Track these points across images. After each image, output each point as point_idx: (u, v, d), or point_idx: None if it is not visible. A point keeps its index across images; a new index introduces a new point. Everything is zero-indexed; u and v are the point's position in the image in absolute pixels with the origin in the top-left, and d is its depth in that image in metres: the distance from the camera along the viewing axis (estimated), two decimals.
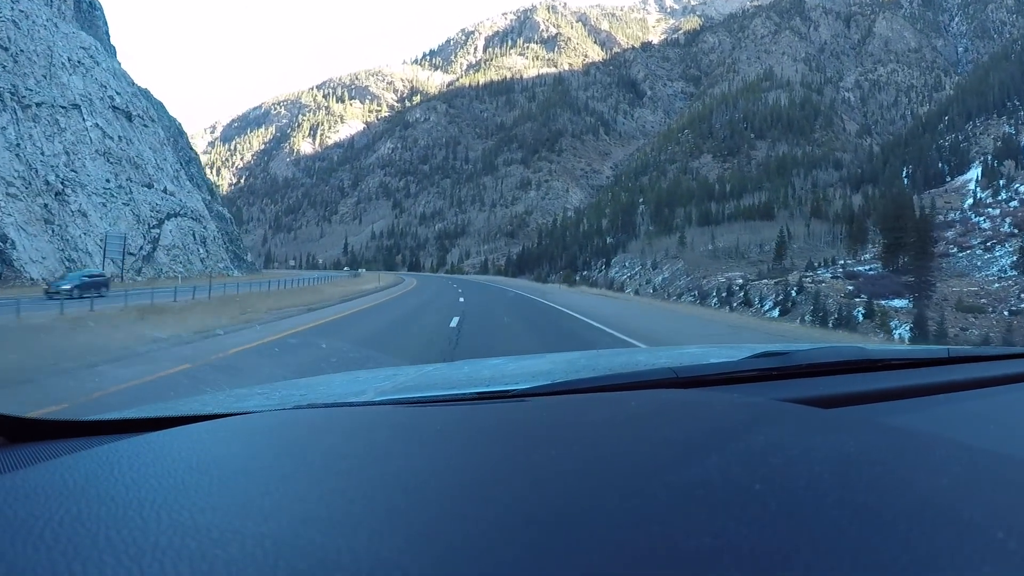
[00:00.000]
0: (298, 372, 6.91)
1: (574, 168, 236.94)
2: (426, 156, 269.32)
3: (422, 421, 0.83)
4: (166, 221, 57.83)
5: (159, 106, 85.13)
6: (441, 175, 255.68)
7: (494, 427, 0.82)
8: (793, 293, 56.31)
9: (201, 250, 63.50)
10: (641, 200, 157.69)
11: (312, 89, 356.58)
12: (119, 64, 65.18)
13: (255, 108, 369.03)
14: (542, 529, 0.46)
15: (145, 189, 55.93)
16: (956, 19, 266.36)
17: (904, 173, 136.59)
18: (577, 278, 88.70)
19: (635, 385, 1.09)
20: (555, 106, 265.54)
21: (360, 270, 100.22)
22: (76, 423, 0.97)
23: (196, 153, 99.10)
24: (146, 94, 78.32)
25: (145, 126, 61.74)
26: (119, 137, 54.28)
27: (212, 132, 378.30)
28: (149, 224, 54.86)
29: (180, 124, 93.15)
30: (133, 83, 65.89)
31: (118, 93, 57.40)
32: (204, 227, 66.43)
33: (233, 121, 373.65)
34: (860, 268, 69.49)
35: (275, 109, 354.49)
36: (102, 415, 1.04)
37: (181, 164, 73.00)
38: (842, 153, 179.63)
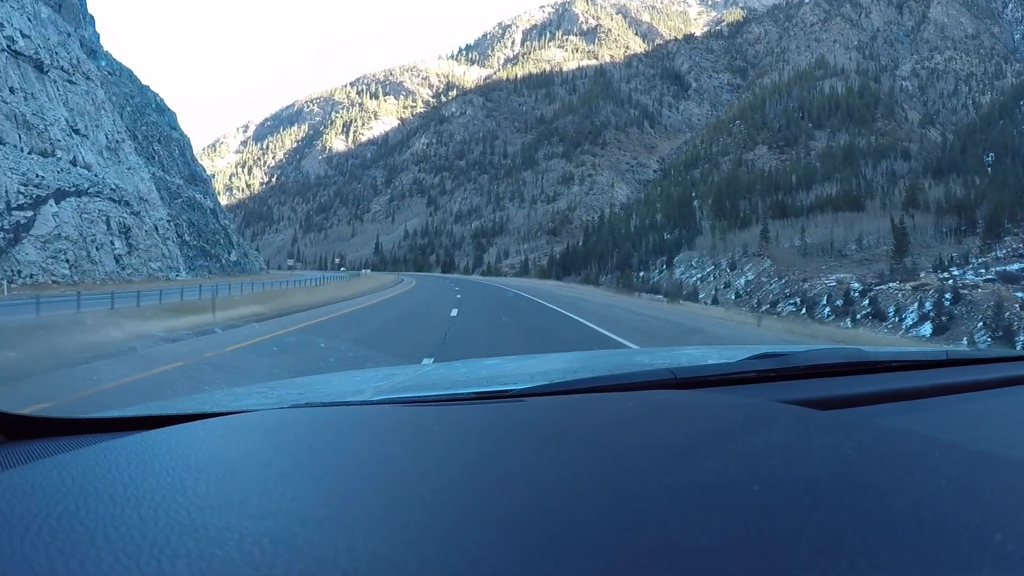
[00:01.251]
0: None
1: (619, 162, 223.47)
2: (462, 151, 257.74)
3: (420, 420, 0.83)
4: (52, 201, 40.55)
5: (123, 71, 73.55)
6: (478, 170, 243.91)
7: (492, 427, 0.82)
8: (946, 302, 42.26)
9: (118, 244, 46.66)
10: (694, 194, 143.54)
11: (345, 86, 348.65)
12: (60, 16, 52.14)
13: (288, 106, 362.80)
14: (540, 529, 0.46)
15: (32, 157, 40.56)
16: (1010, 5, 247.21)
17: (987, 161, 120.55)
18: (635, 279, 74.56)
19: (633, 386, 1.09)
20: (597, 98, 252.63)
21: (365, 270, 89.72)
22: (74, 421, 0.97)
23: (187, 137, 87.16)
24: (107, 56, 66.85)
25: (71, 82, 48.32)
26: (9, 88, 40.39)
27: (245, 131, 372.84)
28: (9, 203, 37.43)
29: (162, 99, 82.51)
30: (71, 35, 52.67)
31: (25, 36, 43.85)
32: (137, 214, 50.37)
33: (266, 120, 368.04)
34: (1012, 267, 54.76)
35: (308, 107, 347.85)
36: (100, 413, 1.04)
37: (137, 138, 59.90)
38: (907, 143, 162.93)
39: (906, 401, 1.08)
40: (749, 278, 70.05)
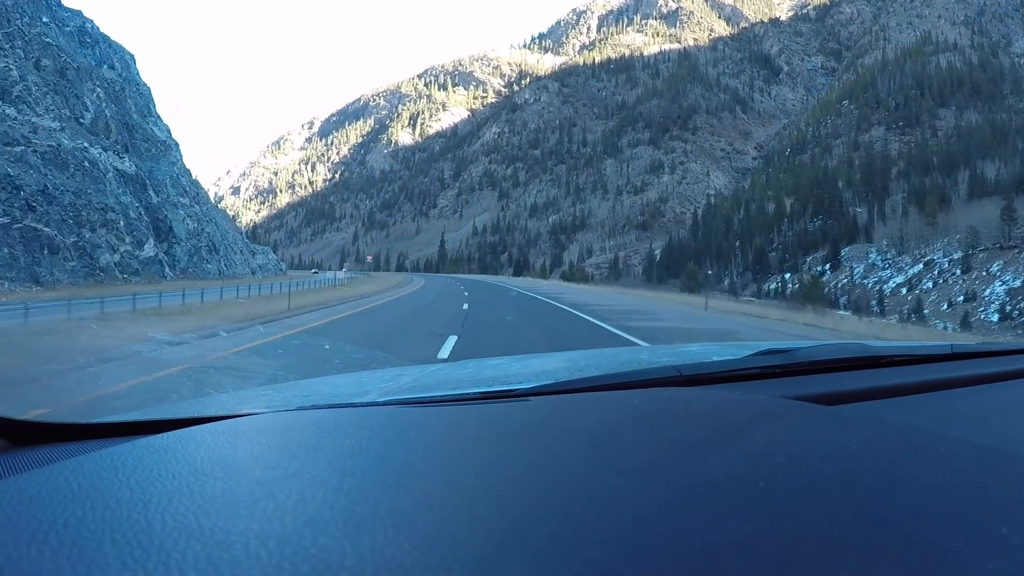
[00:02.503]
0: None
1: (712, 148, 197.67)
2: (537, 140, 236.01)
3: (426, 421, 0.83)
4: None
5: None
6: (554, 160, 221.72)
7: (498, 427, 0.82)
8: None
9: None
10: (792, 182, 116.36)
11: (413, 78, 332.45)
12: None
13: (354, 101, 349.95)
14: (547, 528, 0.46)
15: None
16: None
17: None
18: (793, 286, 48.98)
19: (638, 384, 1.08)
20: (683, 81, 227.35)
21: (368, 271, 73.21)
22: (79, 426, 0.98)
23: (158, 116, 66.18)
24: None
25: None
26: None
27: (310, 128, 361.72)
28: None
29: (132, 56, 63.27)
30: None
31: None
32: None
33: (331, 116, 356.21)
34: None
35: (374, 100, 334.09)
36: (105, 418, 1.04)
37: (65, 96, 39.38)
38: None
39: (911, 395, 1.08)
40: (1015, 284, 43.52)
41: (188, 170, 70.31)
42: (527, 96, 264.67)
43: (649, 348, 2.70)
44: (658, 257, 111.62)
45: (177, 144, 64.93)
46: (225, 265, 60.59)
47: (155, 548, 0.43)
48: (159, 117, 63.97)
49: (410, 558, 0.41)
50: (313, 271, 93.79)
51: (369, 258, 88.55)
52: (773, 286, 70.83)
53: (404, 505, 0.51)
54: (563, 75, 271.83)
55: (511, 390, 1.09)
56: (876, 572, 0.40)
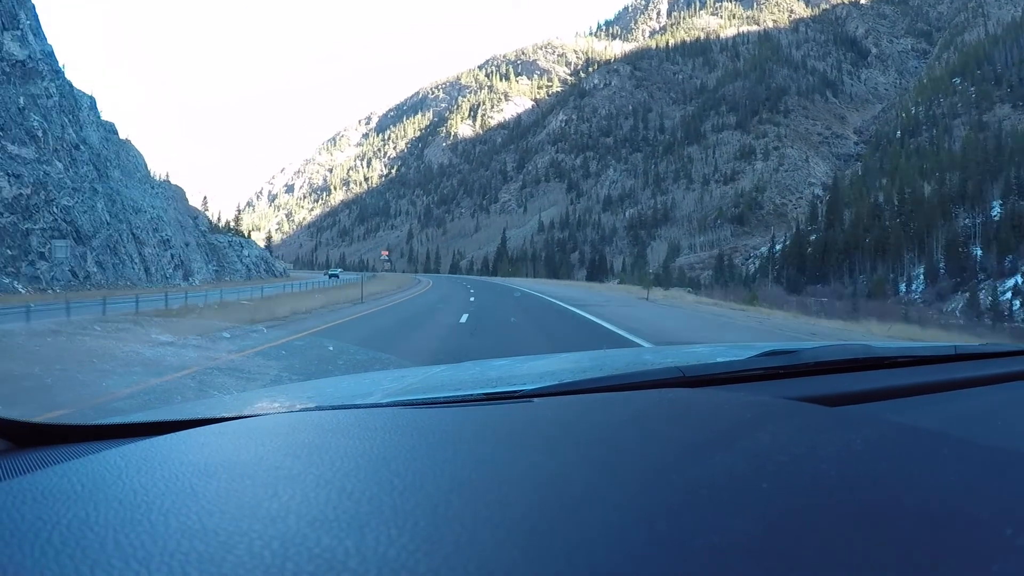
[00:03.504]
0: None
1: (808, 133, 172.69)
2: (608, 127, 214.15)
3: (429, 423, 0.83)
4: None
5: None
6: (629, 148, 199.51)
7: (501, 428, 0.82)
8: None
9: None
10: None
11: (473, 70, 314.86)
12: None
13: (412, 95, 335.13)
14: (550, 529, 0.46)
15: None
16: None
17: None
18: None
19: (642, 384, 1.08)
20: (768, 62, 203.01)
21: (366, 273, 63.93)
22: (83, 427, 0.98)
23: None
24: None
25: None
26: None
27: (367, 123, 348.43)
28: None
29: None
30: None
31: None
32: None
33: (389, 111, 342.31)
34: None
35: (433, 92, 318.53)
36: (109, 419, 1.04)
37: None
38: None
39: (914, 396, 1.08)
40: None
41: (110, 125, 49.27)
42: (596, 81, 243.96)
43: (653, 349, 2.59)
44: (791, 255, 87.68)
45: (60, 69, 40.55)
46: (171, 268, 40.61)
47: (159, 549, 0.44)
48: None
49: (413, 559, 0.41)
50: (329, 273, 74.08)
51: (384, 253, 66.39)
52: (993, 296, 47.42)
53: (407, 506, 0.51)
54: (635, 58, 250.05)
55: (515, 391, 1.10)
56: (879, 573, 0.40)
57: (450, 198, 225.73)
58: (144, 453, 0.71)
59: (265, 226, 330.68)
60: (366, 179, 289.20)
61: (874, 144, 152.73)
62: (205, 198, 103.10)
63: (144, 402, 5.23)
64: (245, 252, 68.14)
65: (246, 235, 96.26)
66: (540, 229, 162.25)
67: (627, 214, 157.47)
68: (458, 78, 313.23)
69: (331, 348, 9.15)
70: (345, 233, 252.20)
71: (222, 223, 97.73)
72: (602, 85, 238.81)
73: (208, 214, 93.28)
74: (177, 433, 0.83)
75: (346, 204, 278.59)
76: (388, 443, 0.73)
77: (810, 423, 0.78)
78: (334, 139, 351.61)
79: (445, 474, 0.60)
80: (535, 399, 1.00)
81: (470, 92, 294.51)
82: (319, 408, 1.05)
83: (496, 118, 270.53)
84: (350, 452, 0.69)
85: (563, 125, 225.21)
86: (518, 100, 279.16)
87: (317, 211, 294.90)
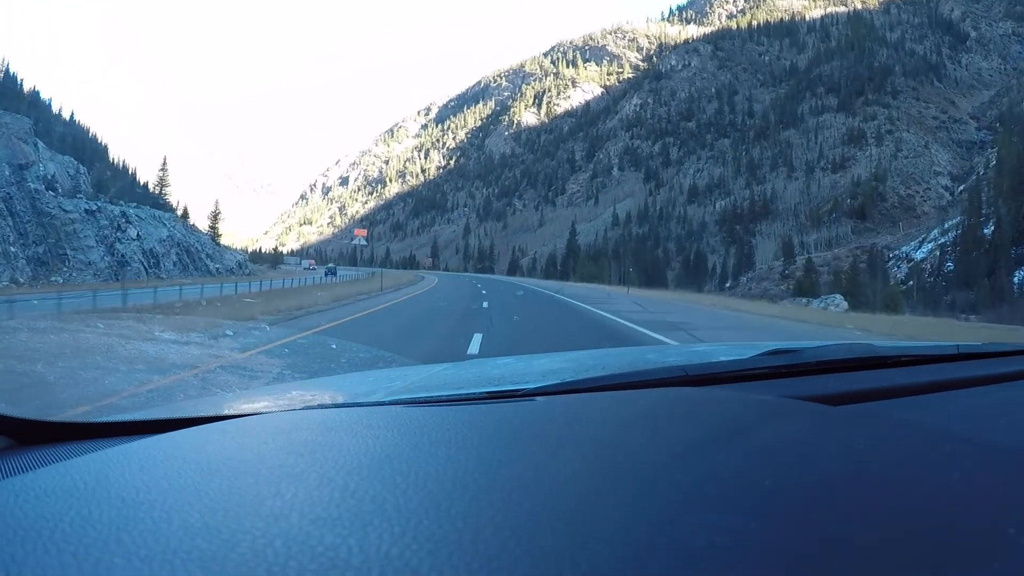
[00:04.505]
0: None
1: (922, 116, 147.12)
2: (689, 111, 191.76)
3: (432, 421, 0.82)
4: None
5: None
6: (714, 133, 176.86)
7: (504, 426, 0.81)
8: None
9: None
10: None
11: (538, 57, 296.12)
12: None
13: (473, 85, 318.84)
14: (553, 527, 0.46)
15: None
16: None
17: None
18: None
19: (645, 383, 1.08)
20: (865, 40, 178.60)
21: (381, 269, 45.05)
22: (86, 425, 0.98)
23: None
24: None
25: None
26: None
27: (426, 114, 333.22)
28: None
29: None
30: None
31: None
32: None
33: (449, 101, 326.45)
34: None
35: (495, 81, 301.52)
36: (112, 417, 1.04)
37: None
38: None
39: (918, 395, 1.07)
40: None
41: None
42: (673, 62, 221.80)
43: (656, 348, 2.69)
44: (936, 257, 64.84)
45: None
46: None
47: (161, 547, 0.43)
48: None
49: (416, 557, 0.41)
50: (323, 268, 56.77)
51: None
52: None
53: (411, 504, 0.51)
54: (716, 38, 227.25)
55: (517, 390, 1.09)
56: (883, 571, 0.40)
57: (512, 190, 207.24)
58: (146, 451, 0.71)
59: (317, 220, 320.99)
60: (423, 171, 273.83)
61: (1003, 130, 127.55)
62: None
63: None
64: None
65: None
66: (615, 223, 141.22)
67: (717, 206, 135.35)
68: (522, 65, 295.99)
69: (334, 346, 9.11)
70: (398, 227, 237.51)
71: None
72: (680, 67, 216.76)
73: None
74: (180, 431, 0.83)
75: (401, 197, 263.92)
76: (391, 441, 0.73)
77: (813, 422, 0.78)
78: (392, 130, 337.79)
79: (448, 473, 0.59)
80: (538, 398, 1.00)
81: (534, 79, 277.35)
82: (322, 406, 1.05)
83: (562, 105, 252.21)
84: (353, 450, 0.69)
85: (638, 110, 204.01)
86: (586, 86, 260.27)
87: (371, 204, 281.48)
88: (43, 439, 0.94)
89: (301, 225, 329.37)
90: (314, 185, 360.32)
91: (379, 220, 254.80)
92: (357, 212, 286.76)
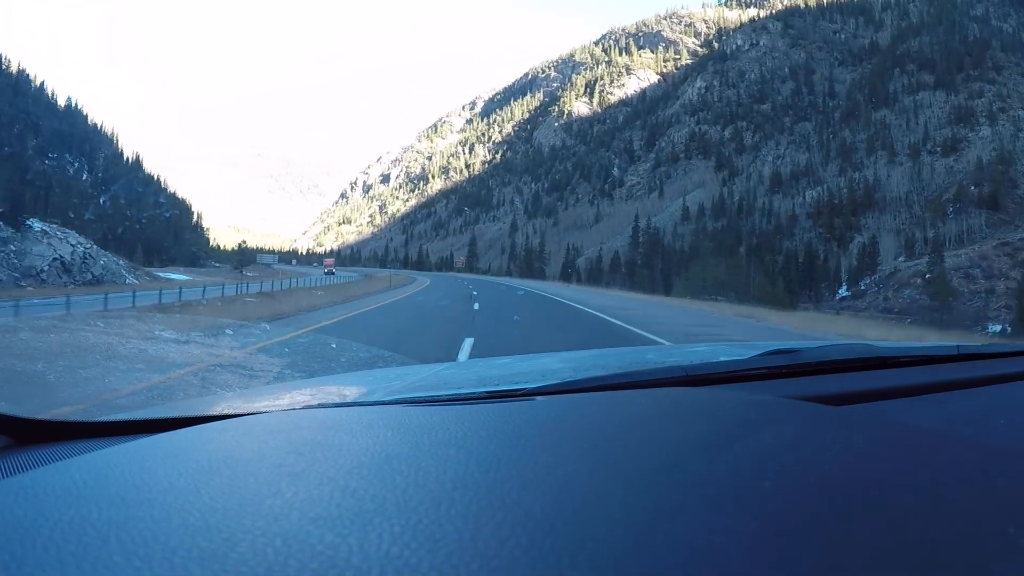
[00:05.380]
0: None
1: None
2: (762, 93, 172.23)
3: (432, 420, 0.82)
4: None
5: None
6: (793, 116, 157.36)
7: (503, 426, 0.80)
8: None
9: None
10: None
11: (588, 45, 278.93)
12: None
13: (521, 77, 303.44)
14: (553, 527, 0.46)
15: None
16: None
17: None
18: None
19: (645, 383, 1.08)
20: (951, 13, 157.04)
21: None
22: (85, 424, 0.98)
23: None
24: None
25: None
26: None
27: (471, 108, 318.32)
28: None
29: None
30: None
31: None
32: None
33: (495, 95, 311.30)
34: None
35: (544, 71, 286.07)
36: (111, 416, 1.04)
37: None
38: None
39: (917, 396, 1.07)
40: None
41: None
42: (739, 42, 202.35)
43: (656, 348, 2.78)
44: None
45: None
46: None
47: (160, 546, 0.43)
48: None
49: (416, 556, 0.41)
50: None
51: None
52: None
53: (410, 504, 0.51)
54: (787, 15, 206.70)
55: (517, 390, 1.09)
56: (882, 572, 0.40)
57: (563, 183, 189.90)
58: (146, 450, 0.71)
59: (356, 219, 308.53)
60: (467, 166, 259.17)
61: None
62: None
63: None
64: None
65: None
66: (685, 217, 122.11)
67: (806, 196, 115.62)
68: (571, 55, 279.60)
69: (334, 345, 9.16)
70: (440, 226, 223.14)
71: None
72: (747, 46, 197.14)
73: None
74: (179, 430, 0.83)
75: (443, 194, 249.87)
76: (391, 441, 0.73)
77: (813, 422, 0.78)
78: (435, 126, 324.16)
79: (448, 472, 0.59)
80: (537, 397, 1.00)
81: (585, 69, 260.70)
82: (322, 406, 1.05)
83: (616, 94, 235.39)
84: (353, 450, 0.68)
85: (703, 93, 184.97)
86: (641, 74, 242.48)
87: (412, 202, 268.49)
88: (42, 438, 0.94)
89: (340, 224, 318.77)
90: (355, 183, 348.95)
91: (420, 218, 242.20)
92: (398, 210, 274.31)
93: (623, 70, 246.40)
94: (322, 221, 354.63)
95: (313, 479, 0.57)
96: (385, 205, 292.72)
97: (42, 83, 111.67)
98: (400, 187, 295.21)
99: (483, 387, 1.16)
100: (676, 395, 0.99)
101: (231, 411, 1.03)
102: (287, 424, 0.86)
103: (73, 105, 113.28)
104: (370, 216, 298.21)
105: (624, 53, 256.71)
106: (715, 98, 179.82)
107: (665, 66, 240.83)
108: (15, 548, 0.44)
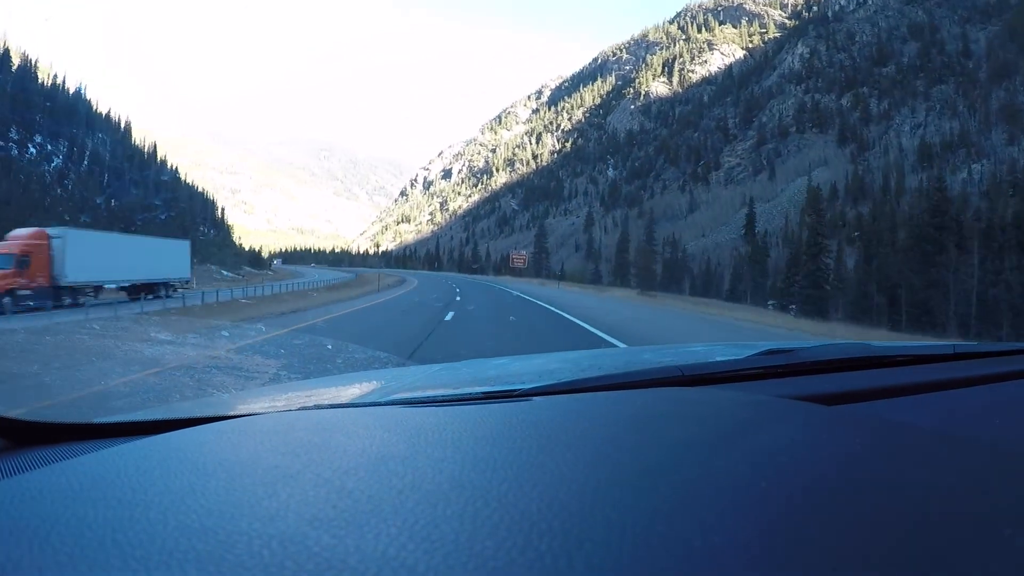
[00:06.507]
0: None
1: None
2: (881, 55, 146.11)
3: (428, 421, 0.82)
4: None
5: None
6: (924, 80, 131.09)
7: (499, 427, 0.80)
8: None
9: None
10: None
11: (662, 24, 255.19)
12: None
13: (590, 63, 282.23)
14: (549, 528, 0.46)
15: None
16: None
17: None
18: None
19: (641, 383, 1.08)
20: None
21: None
22: (82, 426, 0.98)
23: None
24: None
25: None
26: None
27: (537, 98, 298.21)
28: None
29: None
30: None
31: None
32: None
33: (563, 82, 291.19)
34: None
35: (615, 54, 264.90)
36: (108, 418, 1.04)
37: None
38: None
39: (913, 395, 1.07)
40: None
41: None
42: (843, 2, 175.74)
43: (652, 348, 2.71)
44: None
45: None
46: None
47: (157, 548, 0.43)
48: None
49: (413, 557, 0.41)
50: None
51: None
52: None
53: (406, 505, 0.51)
54: None
55: (513, 390, 1.09)
56: (877, 572, 0.40)
57: (645, 170, 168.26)
58: (143, 452, 0.71)
59: (416, 217, 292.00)
60: (535, 156, 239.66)
61: None
62: None
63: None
64: None
65: None
66: (815, 200, 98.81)
67: (973, 171, 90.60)
68: (644, 36, 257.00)
69: (330, 347, 9.02)
70: (504, 222, 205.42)
71: None
72: (852, 6, 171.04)
73: None
74: (175, 432, 0.83)
75: (509, 187, 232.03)
76: (386, 442, 0.73)
77: (808, 422, 0.78)
78: (499, 117, 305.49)
79: (444, 473, 0.59)
80: (534, 398, 1.00)
81: (660, 48, 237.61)
82: (318, 407, 1.05)
83: (699, 72, 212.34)
84: (348, 451, 0.69)
85: (806, 60, 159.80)
86: (725, 49, 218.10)
87: (475, 197, 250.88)
88: (40, 440, 0.94)
89: (398, 224, 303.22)
90: (415, 180, 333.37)
91: (483, 214, 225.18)
92: (460, 207, 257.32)
93: (704, 46, 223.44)
94: (380, 220, 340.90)
95: (309, 480, 0.58)
96: (446, 202, 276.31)
97: (107, 113, 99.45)
98: (462, 182, 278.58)
99: (479, 388, 1.16)
100: (672, 395, 1.00)
101: (227, 413, 1.03)
102: (283, 425, 0.85)
103: (121, 122, 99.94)
104: (430, 214, 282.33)
105: (704, 29, 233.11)
106: (825, 63, 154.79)
107: (751, 41, 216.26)
108: (13, 550, 0.44)
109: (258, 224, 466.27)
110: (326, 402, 1.14)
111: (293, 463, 0.64)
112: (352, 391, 1.45)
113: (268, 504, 0.51)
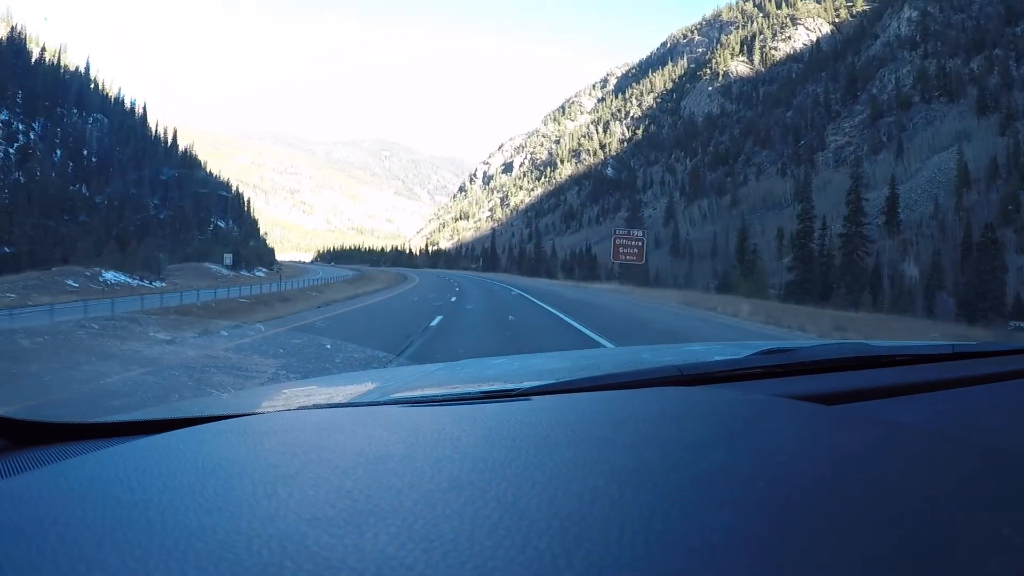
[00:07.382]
0: None
1: None
2: (1009, 10, 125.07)
3: (426, 421, 0.82)
4: None
5: None
6: None
7: (498, 426, 0.80)
8: None
9: None
10: None
11: (737, 2, 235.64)
12: None
13: (658, 48, 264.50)
14: (548, 527, 0.45)
15: None
16: None
17: None
18: None
19: (640, 383, 1.07)
20: None
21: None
22: (81, 426, 0.97)
23: None
24: None
25: None
26: None
27: (603, 86, 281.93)
28: None
29: None
30: None
31: None
32: None
33: (630, 69, 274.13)
34: None
35: (686, 37, 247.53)
36: (107, 417, 1.04)
37: None
38: None
39: (912, 395, 1.07)
40: None
41: None
42: None
43: (650, 348, 2.83)
44: None
45: None
46: None
47: (156, 548, 0.43)
48: None
49: (412, 557, 0.41)
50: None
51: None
52: None
53: (406, 504, 0.50)
54: None
55: (512, 389, 1.08)
56: (876, 571, 0.40)
57: (731, 154, 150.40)
58: (141, 452, 0.71)
59: (475, 213, 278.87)
60: (603, 146, 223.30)
61: None
62: None
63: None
64: None
65: None
66: (964, 183, 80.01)
67: None
68: (716, 16, 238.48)
69: (328, 346, 9.16)
70: (571, 216, 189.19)
71: None
72: None
73: None
74: (174, 432, 0.82)
75: (575, 179, 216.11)
76: (386, 441, 0.72)
77: (807, 421, 0.78)
78: (563, 107, 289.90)
79: (443, 472, 0.59)
80: (533, 397, 1.00)
81: (736, 28, 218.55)
82: (316, 407, 1.05)
83: (783, 49, 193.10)
84: (348, 450, 0.68)
85: (918, 22, 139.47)
86: (810, 23, 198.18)
87: (538, 191, 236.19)
88: (39, 440, 0.93)
89: (456, 221, 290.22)
90: (474, 175, 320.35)
91: (547, 209, 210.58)
92: (521, 201, 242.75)
93: (787, 21, 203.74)
94: (438, 218, 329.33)
95: (308, 480, 0.57)
96: (507, 196, 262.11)
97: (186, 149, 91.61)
98: (524, 175, 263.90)
99: (478, 387, 1.16)
100: (671, 394, 0.99)
101: (226, 412, 1.01)
102: (282, 425, 0.85)
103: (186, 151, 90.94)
104: (490, 210, 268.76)
105: (784, 5, 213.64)
106: (939, 25, 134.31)
107: (838, 15, 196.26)
108: (11, 550, 0.44)
109: (317, 224, 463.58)
110: (325, 402, 1.13)
111: (292, 463, 0.64)
112: (351, 390, 1.43)
113: (267, 504, 0.51)
